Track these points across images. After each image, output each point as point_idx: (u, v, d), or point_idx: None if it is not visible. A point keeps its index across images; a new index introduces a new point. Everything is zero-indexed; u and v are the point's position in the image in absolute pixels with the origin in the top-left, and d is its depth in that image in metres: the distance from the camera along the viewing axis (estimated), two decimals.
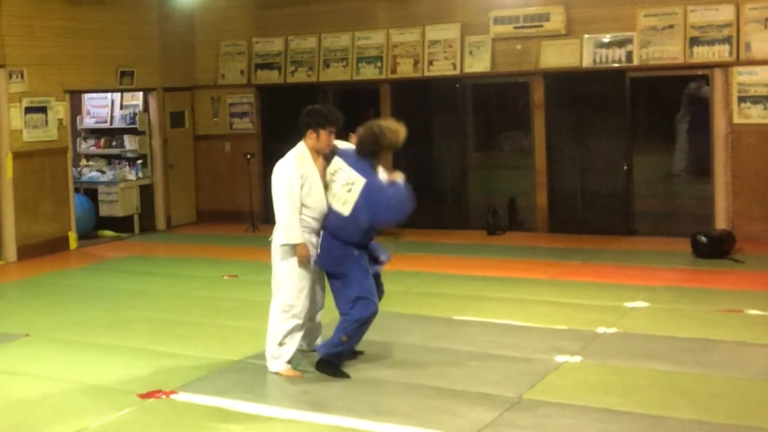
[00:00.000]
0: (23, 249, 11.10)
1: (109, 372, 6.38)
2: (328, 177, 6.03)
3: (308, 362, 6.21)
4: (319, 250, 6.05)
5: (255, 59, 13.39)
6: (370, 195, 5.87)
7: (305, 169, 5.98)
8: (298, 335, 6.14)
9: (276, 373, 6.16)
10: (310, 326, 6.31)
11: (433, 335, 7.03)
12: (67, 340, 7.34)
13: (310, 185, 5.98)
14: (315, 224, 6.05)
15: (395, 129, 6.02)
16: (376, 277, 6.22)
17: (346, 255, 5.96)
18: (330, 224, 6.01)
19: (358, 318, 5.95)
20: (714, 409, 5.30)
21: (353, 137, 6.20)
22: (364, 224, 5.92)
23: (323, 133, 6.02)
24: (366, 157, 5.99)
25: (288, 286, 6.06)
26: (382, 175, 6.08)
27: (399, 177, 6.01)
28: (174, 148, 13.39)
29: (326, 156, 6.11)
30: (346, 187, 5.92)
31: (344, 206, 5.91)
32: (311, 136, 6.04)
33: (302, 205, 5.98)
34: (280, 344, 6.10)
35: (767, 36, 10.35)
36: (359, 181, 5.89)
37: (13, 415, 5.64)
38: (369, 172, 5.93)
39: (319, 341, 6.39)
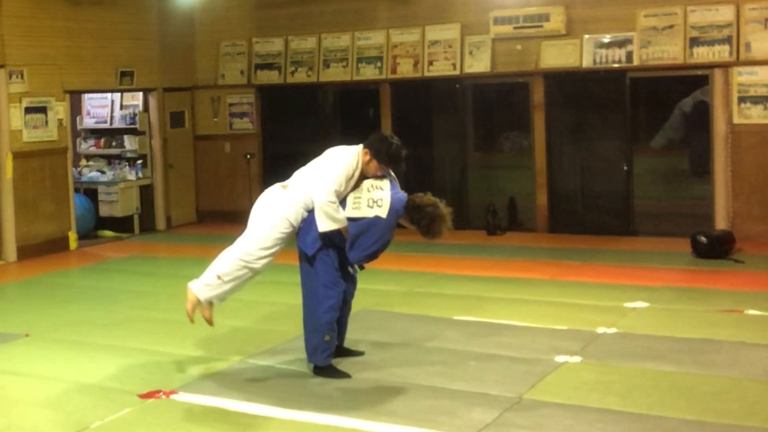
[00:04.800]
0: (23, 249, 11.10)
1: (109, 372, 6.37)
2: (367, 182, 5.98)
3: (307, 364, 6.21)
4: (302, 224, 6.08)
5: (255, 59, 13.39)
6: (373, 225, 5.83)
7: (354, 176, 5.98)
8: (236, 285, 6.21)
9: (193, 297, 6.13)
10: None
11: (433, 335, 7.03)
12: (67, 340, 7.34)
13: (346, 188, 5.98)
14: (306, 213, 6.05)
15: (445, 230, 5.96)
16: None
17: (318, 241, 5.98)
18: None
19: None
20: (714, 409, 5.29)
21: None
22: (350, 237, 5.91)
23: (375, 165, 6.00)
24: (402, 211, 5.93)
25: (266, 239, 6.22)
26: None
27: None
28: (174, 148, 13.39)
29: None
30: (371, 203, 5.89)
31: (354, 211, 5.90)
32: (366, 156, 6.00)
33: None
34: (219, 277, 6.18)
35: (767, 36, 10.36)
36: (381, 212, 5.84)
37: (13, 415, 5.64)
38: (394, 215, 5.88)
39: None
